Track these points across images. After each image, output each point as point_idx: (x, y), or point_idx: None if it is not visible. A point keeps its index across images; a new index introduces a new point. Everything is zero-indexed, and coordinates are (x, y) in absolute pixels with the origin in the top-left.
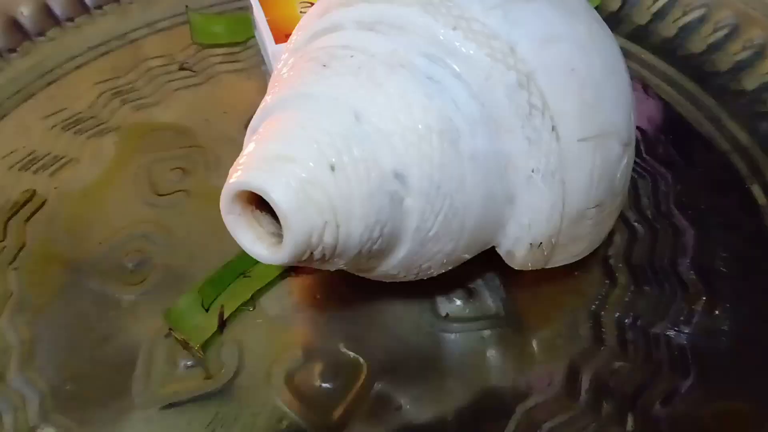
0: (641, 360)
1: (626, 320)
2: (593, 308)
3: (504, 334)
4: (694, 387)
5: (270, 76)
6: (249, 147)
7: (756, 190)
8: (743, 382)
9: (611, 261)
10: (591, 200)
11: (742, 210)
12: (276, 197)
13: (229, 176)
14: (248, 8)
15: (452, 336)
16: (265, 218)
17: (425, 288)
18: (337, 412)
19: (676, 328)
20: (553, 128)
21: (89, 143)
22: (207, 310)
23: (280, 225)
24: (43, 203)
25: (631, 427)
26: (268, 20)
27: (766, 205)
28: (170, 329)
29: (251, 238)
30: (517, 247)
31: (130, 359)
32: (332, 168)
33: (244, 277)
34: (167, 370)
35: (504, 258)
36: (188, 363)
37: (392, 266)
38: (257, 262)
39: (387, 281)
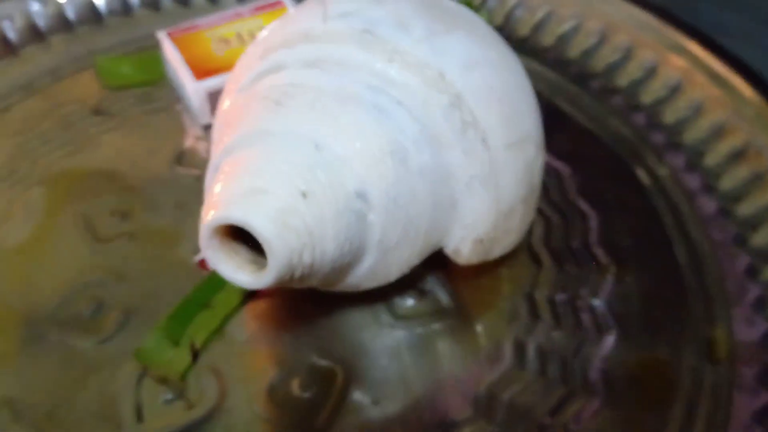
0: (572, 327)
1: (555, 296)
2: (527, 290)
3: (455, 325)
4: (619, 343)
5: (188, 113)
6: (218, 185)
7: (641, 173)
8: (656, 334)
9: (535, 248)
10: (518, 196)
11: (632, 192)
12: (258, 227)
13: (204, 213)
14: (154, 47)
15: (410, 332)
16: (241, 248)
17: (380, 294)
18: (321, 417)
19: (596, 297)
20: (484, 140)
21: (16, 198)
22: (177, 345)
23: (256, 253)
24: None
25: (574, 384)
26: (185, 59)
27: (651, 185)
28: (144, 368)
29: (233, 268)
30: (463, 245)
31: (110, 405)
32: (304, 195)
33: (207, 308)
34: (150, 408)
35: (451, 256)
36: (168, 397)
37: (358, 277)
38: (216, 293)
39: (348, 292)
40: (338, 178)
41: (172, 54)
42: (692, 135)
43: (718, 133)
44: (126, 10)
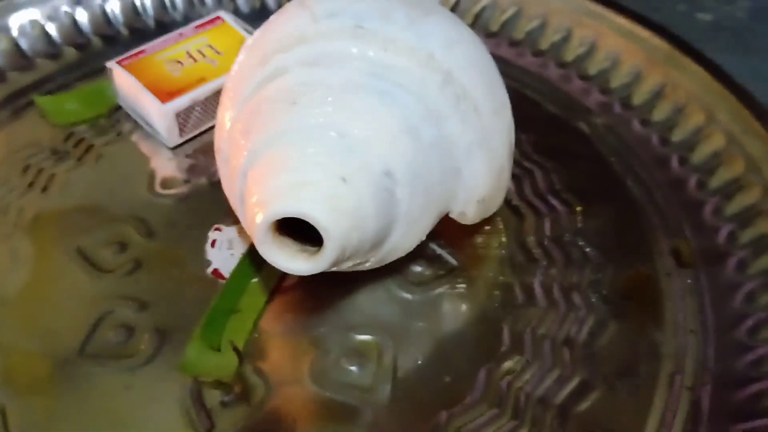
0: (564, 262)
1: (543, 240)
2: (518, 239)
3: (465, 279)
4: (605, 266)
5: (152, 137)
6: (257, 186)
7: (583, 126)
8: (631, 254)
9: (512, 201)
10: (505, 156)
11: (580, 143)
12: (314, 215)
13: (252, 213)
14: (96, 77)
15: (428, 296)
16: (288, 240)
17: (392, 267)
18: (374, 384)
19: (570, 234)
20: (475, 109)
21: (2, 249)
22: (219, 350)
23: (302, 243)
24: None
25: (578, 306)
26: (144, 84)
27: (590, 134)
28: (195, 378)
29: (287, 258)
30: (468, 206)
31: (177, 418)
32: (344, 180)
33: (236, 312)
34: (215, 412)
35: (457, 218)
36: (225, 399)
37: (386, 251)
38: (239, 297)
39: (365, 270)
40: (366, 161)
41: (127, 81)
42: (617, 81)
43: (638, 77)
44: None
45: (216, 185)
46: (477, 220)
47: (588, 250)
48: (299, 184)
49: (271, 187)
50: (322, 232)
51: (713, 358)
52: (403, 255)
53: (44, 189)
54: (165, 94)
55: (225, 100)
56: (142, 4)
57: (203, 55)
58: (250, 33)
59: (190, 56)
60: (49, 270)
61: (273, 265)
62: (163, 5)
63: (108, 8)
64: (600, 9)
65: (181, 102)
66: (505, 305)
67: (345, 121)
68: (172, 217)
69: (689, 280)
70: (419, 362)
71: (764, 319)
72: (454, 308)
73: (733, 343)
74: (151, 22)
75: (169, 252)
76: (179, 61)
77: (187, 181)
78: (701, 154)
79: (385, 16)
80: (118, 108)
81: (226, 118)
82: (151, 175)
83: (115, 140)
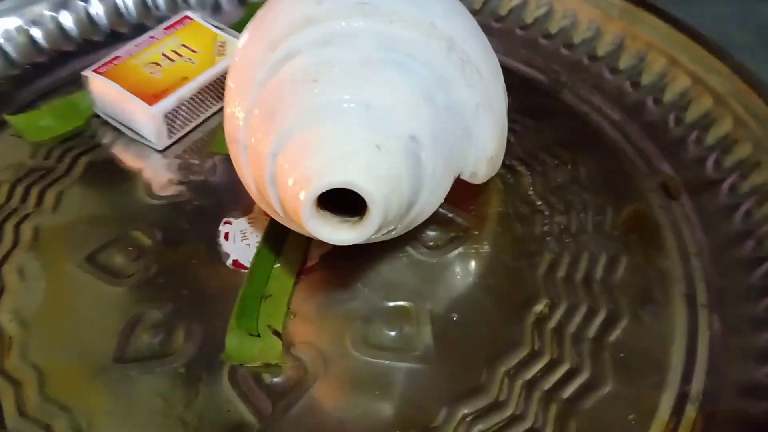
0: (566, 209)
1: (539, 192)
2: (520, 194)
3: (480, 236)
4: (605, 207)
5: (137, 142)
6: (294, 164)
7: (554, 84)
8: (625, 193)
9: (505, 160)
10: (504, 115)
11: (554, 99)
12: (359, 183)
13: (294, 191)
14: (69, 90)
15: (447, 256)
16: (328, 214)
17: (406, 237)
18: (419, 345)
19: (565, 184)
20: (478, 72)
21: (7, 270)
22: (259, 335)
23: (341, 215)
24: (10, 338)
25: (589, 243)
26: (127, 89)
27: (563, 90)
28: (242, 365)
29: (331, 230)
30: (479, 166)
31: (227, 408)
32: (378, 148)
33: (267, 297)
34: (270, 396)
35: (468, 179)
36: (274, 380)
37: (413, 216)
38: (266, 283)
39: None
40: (394, 128)
41: (107, 88)
42: (579, 37)
43: (598, 31)
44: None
45: (213, 181)
46: (486, 179)
47: (585, 195)
48: (339, 155)
49: (312, 162)
50: (367, 199)
51: (723, 276)
52: (425, 219)
53: (37, 206)
54: (150, 97)
55: (233, 90)
56: (97, 14)
57: (179, 55)
58: (220, 29)
59: (167, 57)
60: (64, 285)
61: (319, 238)
62: (117, 12)
63: (63, 21)
64: None
65: (169, 102)
66: (521, 256)
67: (368, 93)
68: (177, 218)
69: (683, 209)
70: (454, 318)
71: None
72: (474, 265)
73: (741, 260)
74: (103, 33)
75: (183, 250)
76: (157, 63)
77: (183, 182)
78: (671, 93)
79: None
80: (94, 117)
81: (237, 107)
82: (146, 180)
83: (100, 150)
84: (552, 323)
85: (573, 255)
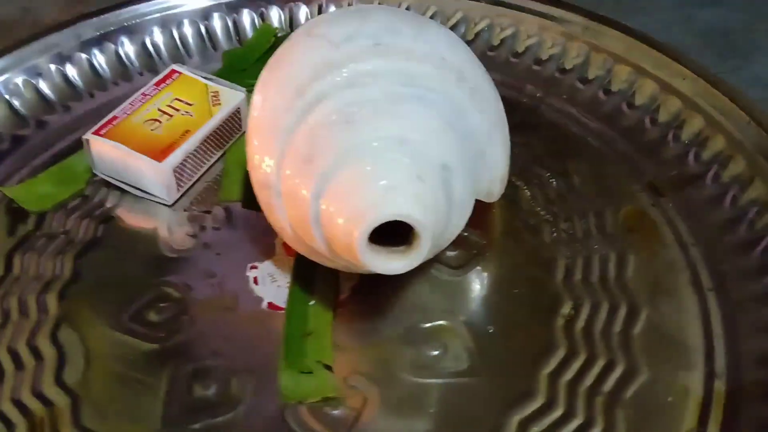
0: (567, 216)
1: (540, 202)
2: (520, 207)
3: (498, 247)
4: (600, 211)
5: (145, 199)
6: (341, 203)
7: (528, 101)
8: (615, 194)
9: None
10: (508, 135)
11: (533, 115)
12: (411, 214)
13: (346, 229)
14: (62, 155)
15: (469, 275)
16: (377, 246)
17: (428, 263)
18: (462, 364)
19: (562, 192)
20: (486, 99)
21: (42, 342)
22: (312, 372)
23: (386, 245)
24: (57, 411)
25: (592, 240)
26: (132, 148)
27: (539, 106)
28: (300, 403)
29: (384, 261)
30: (494, 186)
31: None
32: (420, 178)
33: (310, 334)
34: (331, 428)
35: (485, 199)
36: (334, 412)
37: (445, 237)
38: (307, 320)
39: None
40: (428, 158)
41: (111, 149)
42: (545, 53)
43: (563, 48)
44: None
45: (230, 229)
46: (498, 198)
47: (582, 202)
48: (385, 190)
49: (360, 199)
50: (418, 228)
51: (723, 260)
52: (451, 241)
53: (56, 275)
54: (158, 153)
55: (260, 139)
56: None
57: (176, 109)
58: (209, 79)
59: (164, 113)
60: (103, 349)
61: (374, 270)
62: (95, 73)
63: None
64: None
65: (176, 157)
66: (538, 264)
67: (400, 128)
68: (202, 269)
69: (673, 204)
70: (490, 330)
71: (758, 212)
72: (496, 278)
73: (736, 244)
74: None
75: (215, 301)
76: (156, 120)
77: (199, 233)
78: (642, 98)
79: (394, 31)
80: (92, 178)
81: (267, 155)
82: (162, 236)
83: (107, 212)
84: (580, 323)
85: (585, 258)
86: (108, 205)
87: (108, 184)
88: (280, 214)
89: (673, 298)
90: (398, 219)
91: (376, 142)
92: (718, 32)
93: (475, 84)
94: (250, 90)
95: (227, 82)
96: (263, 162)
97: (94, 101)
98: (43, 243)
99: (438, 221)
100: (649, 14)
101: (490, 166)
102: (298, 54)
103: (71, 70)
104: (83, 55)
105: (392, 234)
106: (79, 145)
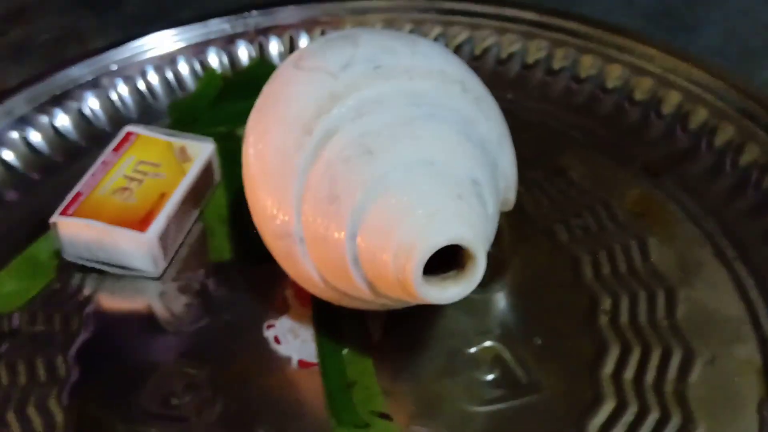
0: (579, 210)
1: (550, 210)
2: (530, 214)
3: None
4: (606, 202)
5: (134, 272)
6: (384, 237)
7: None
8: (617, 187)
9: None
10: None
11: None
12: (464, 236)
13: (398, 263)
14: (23, 243)
15: (496, 292)
16: (427, 276)
17: None
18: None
19: (564, 189)
20: (490, 107)
21: None
22: (370, 425)
23: (432, 273)
24: None
25: (613, 233)
26: (109, 222)
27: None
28: None
29: (440, 290)
30: (509, 194)
31: None
32: (460, 197)
33: (353, 385)
34: None
35: (502, 209)
36: None
37: None
38: (344, 372)
39: None
40: (459, 175)
41: (84, 228)
42: (505, 52)
43: (524, 45)
44: None
45: (229, 291)
46: (512, 206)
47: (586, 196)
48: (430, 216)
49: (406, 230)
50: (472, 249)
51: (738, 228)
52: None
53: (53, 379)
54: (137, 223)
55: (270, 186)
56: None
57: (144, 173)
58: (169, 135)
59: (132, 179)
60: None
61: (429, 301)
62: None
63: None
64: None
65: (159, 223)
66: (562, 267)
67: (423, 150)
68: (213, 339)
69: (673, 182)
70: (539, 342)
71: (761, 173)
72: (525, 288)
73: (747, 209)
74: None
75: (241, 369)
76: (125, 188)
77: (195, 304)
78: (613, 82)
79: (390, 50)
80: (64, 265)
81: (280, 202)
82: (158, 313)
83: (87, 299)
84: (624, 317)
85: (607, 250)
86: (86, 291)
87: (81, 268)
88: (304, 262)
89: (703, 274)
90: (451, 243)
91: (403, 168)
92: (660, 12)
93: (477, 93)
94: (217, 139)
95: (191, 135)
96: (278, 210)
97: (38, 183)
98: (24, 346)
99: (484, 240)
100: (591, 3)
101: (504, 174)
102: (294, 90)
103: (7, 154)
104: (14, 134)
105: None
106: (35, 231)
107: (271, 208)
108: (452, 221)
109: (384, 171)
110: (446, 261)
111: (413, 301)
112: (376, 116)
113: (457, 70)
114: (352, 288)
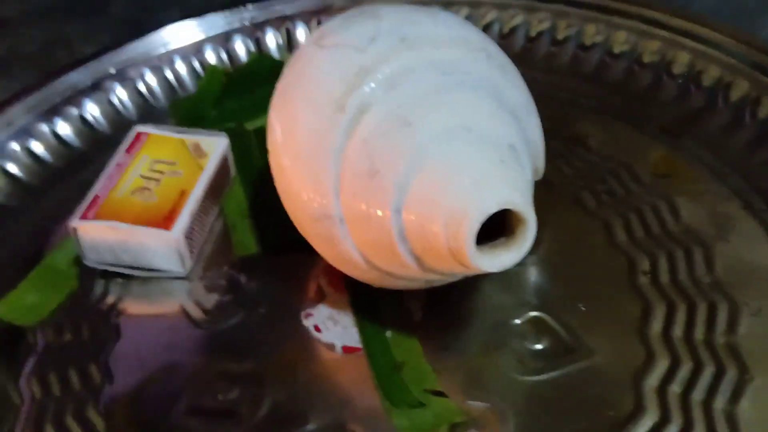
0: (607, 180)
1: (574, 179)
2: (554, 184)
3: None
4: (629, 167)
5: (160, 273)
6: (433, 207)
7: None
8: (638, 153)
9: None
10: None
11: None
12: (515, 201)
13: (450, 233)
14: (36, 254)
15: (537, 262)
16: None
17: None
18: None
19: (584, 167)
20: (515, 74)
21: None
22: (425, 404)
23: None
24: None
25: (642, 197)
26: (132, 222)
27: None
28: None
29: (492, 258)
30: (539, 162)
31: None
32: (502, 162)
33: (400, 368)
34: None
35: (534, 177)
36: None
37: None
38: (390, 353)
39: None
40: (498, 140)
41: (107, 231)
42: (507, 26)
43: (525, 20)
44: None
45: (259, 283)
46: (542, 175)
47: (609, 162)
48: (478, 181)
49: (454, 198)
50: (523, 212)
51: (763, 179)
52: None
53: (85, 386)
54: (162, 222)
55: (304, 169)
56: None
57: (160, 172)
58: (180, 132)
59: (150, 178)
60: None
61: (484, 270)
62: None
63: None
64: None
65: (183, 221)
66: (595, 233)
67: (461, 117)
68: (251, 334)
69: (693, 141)
70: (582, 308)
71: None
72: (559, 256)
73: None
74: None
75: (283, 361)
76: (144, 188)
77: (228, 300)
78: (620, 47)
79: (413, 21)
80: (85, 272)
81: (317, 184)
82: (190, 313)
83: (114, 304)
84: (664, 277)
85: (637, 213)
86: (112, 297)
87: (103, 274)
88: (345, 243)
89: (736, 228)
90: (504, 208)
91: (443, 136)
92: None
93: (501, 60)
94: (230, 133)
95: (202, 131)
96: (315, 192)
97: (44, 192)
98: (54, 358)
99: (532, 203)
100: None
101: (533, 141)
102: (320, 68)
103: (10, 166)
104: (15, 145)
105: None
106: (48, 240)
107: (308, 192)
108: (501, 186)
109: (424, 141)
110: (488, 230)
111: (464, 272)
112: (408, 87)
113: (480, 38)
114: (397, 265)
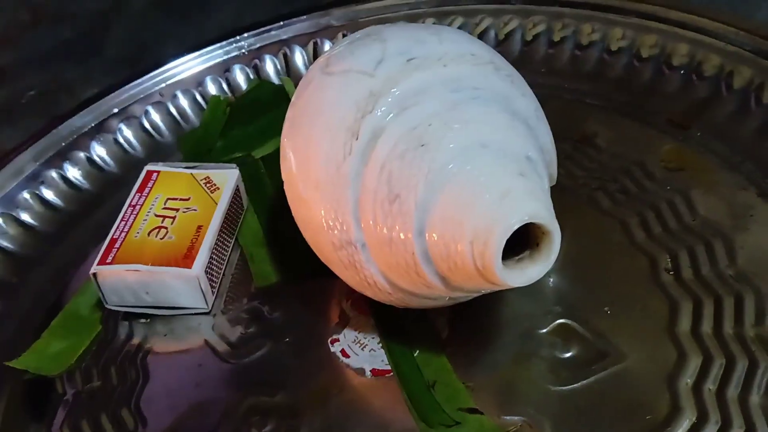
0: (617, 175)
1: (586, 180)
2: (567, 186)
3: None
4: (642, 162)
5: (184, 311)
6: (455, 226)
7: None
8: (649, 145)
9: None
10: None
11: None
12: (539, 213)
13: (476, 251)
14: (56, 301)
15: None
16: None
17: None
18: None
19: (596, 166)
20: (523, 83)
21: None
22: (461, 422)
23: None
24: None
25: (656, 192)
26: (153, 263)
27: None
28: None
29: (519, 272)
30: (552, 168)
31: None
32: (522, 175)
33: (432, 388)
34: None
35: (549, 184)
36: None
37: None
38: (420, 373)
39: None
40: (515, 154)
41: (128, 274)
42: (501, 35)
43: (520, 23)
44: None
45: (283, 314)
46: (555, 181)
47: (619, 160)
48: (500, 197)
49: (478, 215)
50: (548, 225)
51: None
52: None
53: (120, 431)
54: (181, 260)
55: (322, 197)
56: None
57: (175, 210)
58: (190, 168)
59: (165, 217)
60: None
61: (511, 285)
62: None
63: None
64: None
65: (202, 257)
66: (610, 232)
67: (475, 133)
68: (280, 364)
69: (702, 131)
70: (608, 312)
71: None
72: (578, 259)
73: None
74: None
75: (314, 390)
76: (161, 227)
77: (252, 332)
78: (617, 44)
79: (419, 41)
80: (107, 315)
81: (338, 211)
82: (216, 349)
83: (139, 346)
84: (687, 273)
85: (653, 209)
86: (137, 338)
87: (126, 316)
88: (369, 268)
89: (754, 216)
90: (529, 222)
91: (460, 154)
92: None
93: (508, 71)
94: (239, 164)
95: (211, 164)
96: (335, 220)
97: (59, 238)
98: (85, 405)
99: (552, 215)
100: None
101: (545, 148)
102: (330, 96)
103: (23, 215)
104: (26, 194)
105: None
106: (68, 286)
107: (327, 220)
108: (524, 200)
109: (443, 161)
110: (510, 244)
111: (491, 288)
112: (421, 107)
113: (485, 51)
114: (423, 286)
